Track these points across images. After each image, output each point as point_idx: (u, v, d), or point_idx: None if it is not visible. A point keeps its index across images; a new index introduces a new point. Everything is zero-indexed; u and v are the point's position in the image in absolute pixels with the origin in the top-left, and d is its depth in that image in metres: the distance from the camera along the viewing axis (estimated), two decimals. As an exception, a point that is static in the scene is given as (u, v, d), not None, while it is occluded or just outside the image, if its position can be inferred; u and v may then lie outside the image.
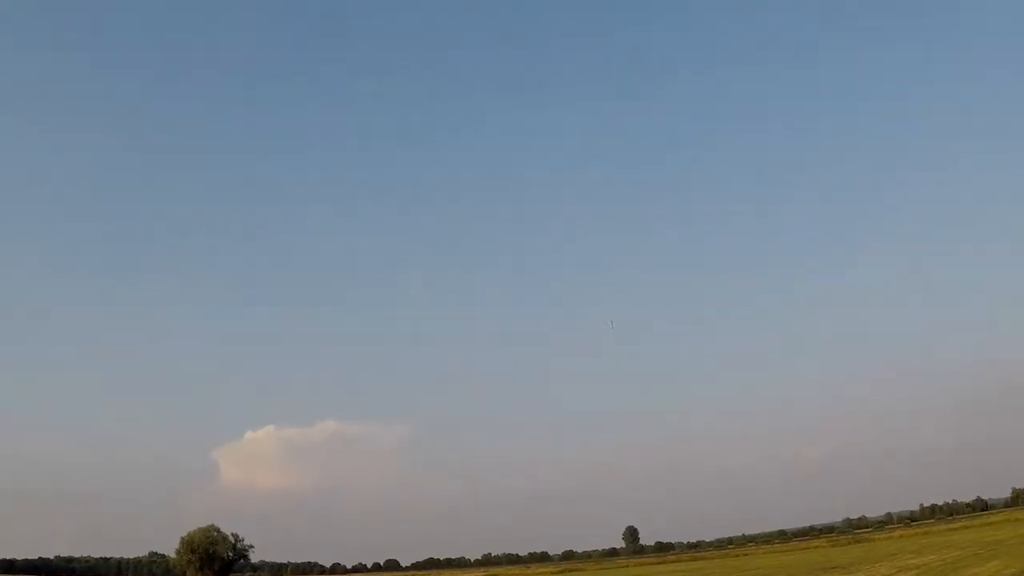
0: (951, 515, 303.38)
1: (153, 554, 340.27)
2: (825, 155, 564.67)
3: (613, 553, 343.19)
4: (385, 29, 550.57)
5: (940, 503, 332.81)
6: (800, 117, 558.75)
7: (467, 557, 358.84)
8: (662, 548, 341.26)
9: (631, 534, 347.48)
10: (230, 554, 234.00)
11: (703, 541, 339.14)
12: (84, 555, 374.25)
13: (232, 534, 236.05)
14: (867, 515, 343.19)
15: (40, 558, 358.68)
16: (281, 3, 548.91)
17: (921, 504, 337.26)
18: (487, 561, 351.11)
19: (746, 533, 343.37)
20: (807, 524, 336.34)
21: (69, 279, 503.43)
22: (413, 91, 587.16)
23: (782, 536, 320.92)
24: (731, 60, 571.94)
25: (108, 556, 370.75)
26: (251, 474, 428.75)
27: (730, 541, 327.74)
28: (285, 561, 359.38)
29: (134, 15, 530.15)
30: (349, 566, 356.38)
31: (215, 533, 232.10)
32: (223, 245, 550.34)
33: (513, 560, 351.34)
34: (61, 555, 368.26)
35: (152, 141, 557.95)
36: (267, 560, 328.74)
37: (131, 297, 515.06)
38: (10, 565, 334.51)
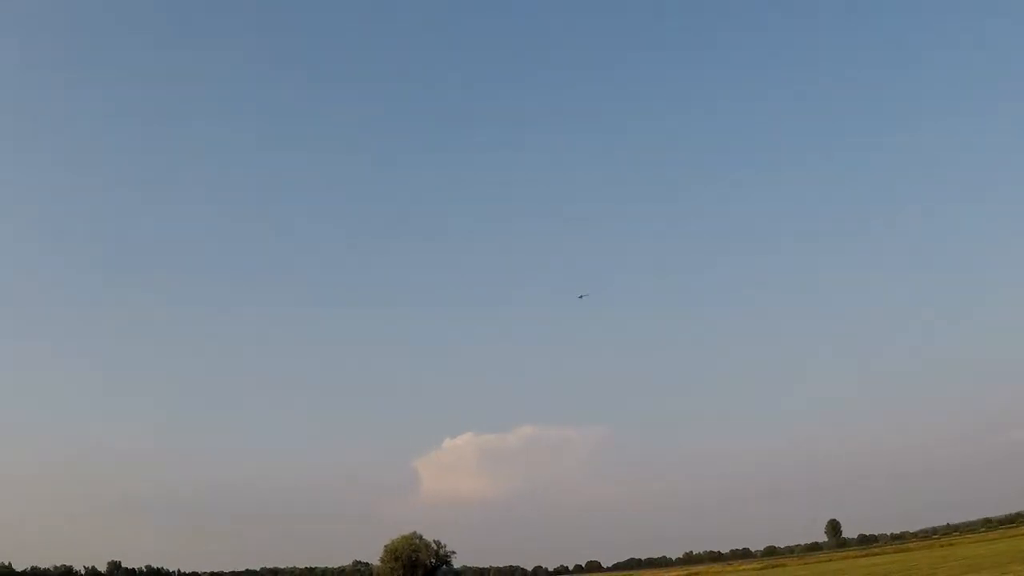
0: None
1: (357, 563, 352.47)
2: None
3: (815, 548, 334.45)
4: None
5: None
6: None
7: (668, 556, 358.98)
8: (865, 540, 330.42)
9: (833, 528, 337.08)
10: (432, 560, 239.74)
11: (907, 532, 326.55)
12: (290, 566, 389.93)
13: (434, 541, 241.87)
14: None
15: (247, 570, 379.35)
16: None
17: None
18: (688, 559, 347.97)
19: (951, 522, 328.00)
20: (1015, 511, 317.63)
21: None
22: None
23: (987, 524, 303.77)
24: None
25: (313, 566, 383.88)
26: (451, 481, 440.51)
27: (934, 531, 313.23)
28: (487, 566, 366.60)
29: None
30: (551, 568, 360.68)
31: (417, 540, 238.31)
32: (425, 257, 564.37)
33: (715, 558, 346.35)
34: (267, 566, 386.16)
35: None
36: (469, 565, 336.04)
37: (332, 321, 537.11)
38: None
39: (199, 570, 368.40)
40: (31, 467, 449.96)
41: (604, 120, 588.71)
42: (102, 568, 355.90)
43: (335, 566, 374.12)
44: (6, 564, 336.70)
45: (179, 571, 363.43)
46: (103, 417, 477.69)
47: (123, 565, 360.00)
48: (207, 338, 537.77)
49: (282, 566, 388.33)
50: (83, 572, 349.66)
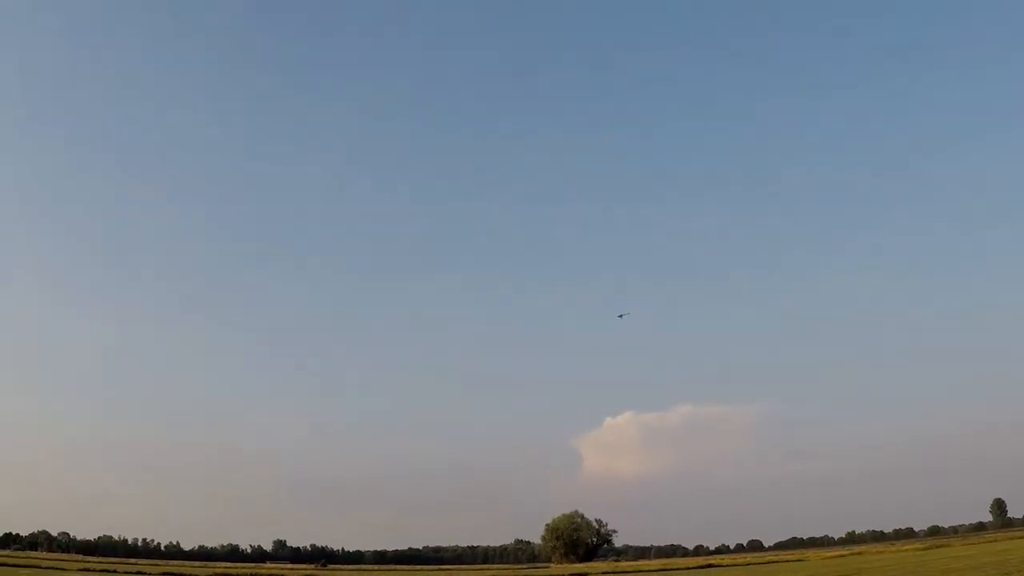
0: None
1: (519, 541, 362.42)
2: None
3: (980, 527, 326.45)
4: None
5: None
6: None
7: (830, 535, 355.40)
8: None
9: (998, 507, 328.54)
10: (593, 539, 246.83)
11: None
12: (452, 544, 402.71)
13: (595, 520, 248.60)
14: None
15: (410, 548, 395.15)
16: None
17: None
18: (851, 539, 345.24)
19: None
20: None
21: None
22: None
23: None
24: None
25: (475, 545, 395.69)
26: (611, 460, 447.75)
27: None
28: (648, 545, 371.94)
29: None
30: (711, 547, 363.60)
31: (579, 519, 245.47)
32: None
33: (878, 537, 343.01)
34: (429, 545, 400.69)
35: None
36: (631, 544, 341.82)
37: (499, 304, 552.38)
38: (381, 556, 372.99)
39: (363, 549, 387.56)
40: (206, 455, 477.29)
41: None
42: (267, 546, 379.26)
43: (496, 545, 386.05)
44: (175, 543, 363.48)
45: (343, 549, 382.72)
46: (271, 406, 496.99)
47: (288, 544, 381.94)
48: (378, 322, 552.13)
49: (444, 545, 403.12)
50: (248, 550, 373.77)
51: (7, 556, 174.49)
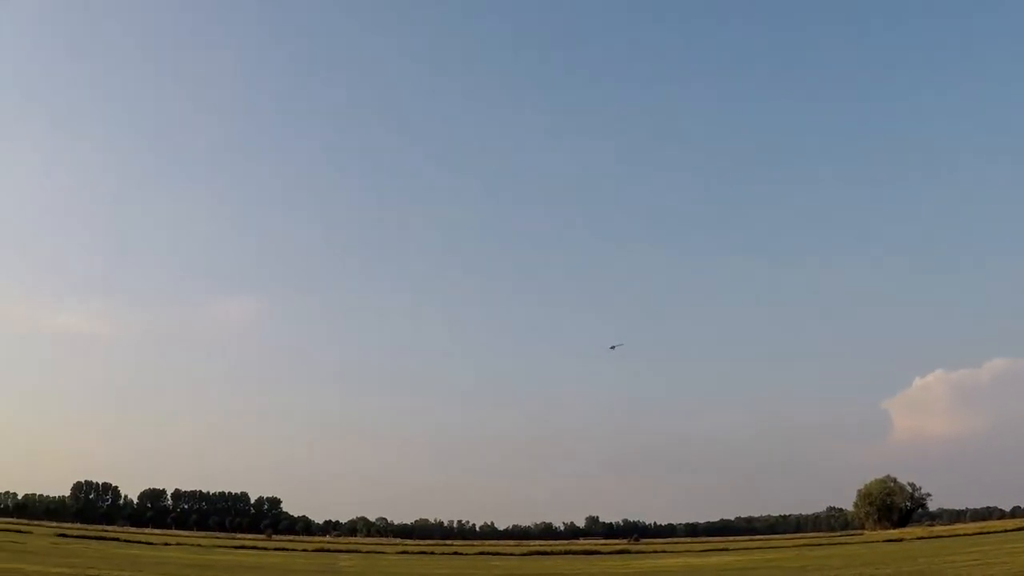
0: None
1: (831, 508, 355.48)
2: None
3: None
4: None
5: None
6: None
7: None
8: None
9: None
10: (907, 504, 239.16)
11: None
12: (764, 514, 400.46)
13: (908, 483, 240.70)
14: None
15: (721, 519, 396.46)
16: None
17: None
18: None
19: None
20: None
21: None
22: None
23: None
24: None
25: (786, 514, 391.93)
26: (921, 421, 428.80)
27: None
28: (963, 508, 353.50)
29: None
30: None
31: (891, 484, 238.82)
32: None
33: None
34: (740, 516, 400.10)
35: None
36: (945, 507, 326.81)
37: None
38: (693, 528, 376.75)
39: (675, 522, 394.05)
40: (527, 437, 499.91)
41: None
42: (580, 523, 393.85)
43: (809, 513, 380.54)
44: (489, 524, 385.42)
45: (654, 523, 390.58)
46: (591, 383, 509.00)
47: (600, 520, 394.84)
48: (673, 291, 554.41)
49: (756, 515, 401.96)
50: (561, 528, 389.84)
51: (326, 542, 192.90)
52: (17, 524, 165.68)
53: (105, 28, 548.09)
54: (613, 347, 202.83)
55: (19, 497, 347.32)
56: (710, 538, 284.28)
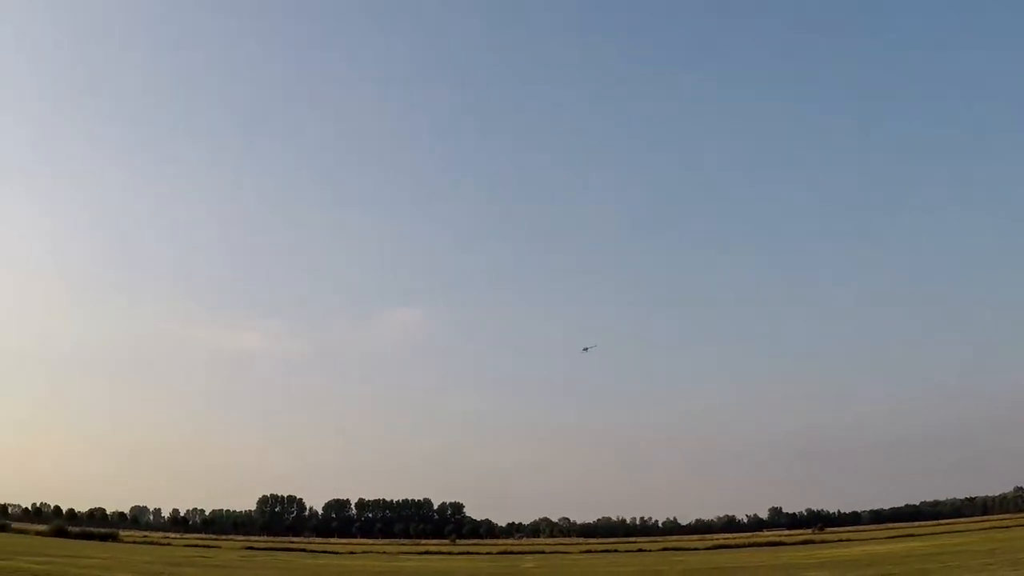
0: None
1: (1019, 488, 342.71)
2: None
3: None
4: None
5: None
6: None
7: None
8: None
9: None
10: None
11: None
12: (949, 497, 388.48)
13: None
14: None
15: (907, 505, 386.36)
16: None
17: None
18: None
19: None
20: None
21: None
22: None
23: None
24: None
25: (972, 496, 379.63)
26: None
27: None
28: None
29: None
30: None
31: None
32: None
33: None
34: (926, 500, 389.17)
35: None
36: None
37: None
38: (877, 515, 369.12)
39: (859, 510, 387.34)
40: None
41: None
42: (763, 515, 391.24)
43: (995, 494, 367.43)
44: (671, 519, 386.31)
45: (838, 512, 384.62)
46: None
47: (783, 510, 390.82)
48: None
49: (941, 498, 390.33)
50: (744, 520, 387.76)
51: (510, 545, 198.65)
52: (206, 539, 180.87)
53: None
54: (586, 349, 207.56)
55: (207, 513, 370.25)
56: (895, 524, 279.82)
